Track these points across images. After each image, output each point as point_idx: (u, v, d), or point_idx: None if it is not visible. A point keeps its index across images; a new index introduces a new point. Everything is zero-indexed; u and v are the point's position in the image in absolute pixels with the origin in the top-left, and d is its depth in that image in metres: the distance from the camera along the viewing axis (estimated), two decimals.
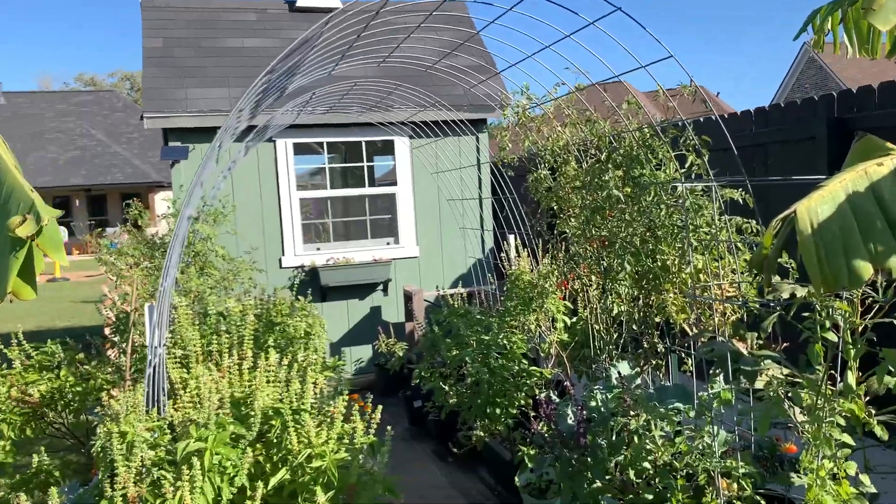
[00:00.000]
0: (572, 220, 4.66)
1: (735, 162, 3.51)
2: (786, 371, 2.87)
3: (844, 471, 2.82)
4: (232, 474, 2.33)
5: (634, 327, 4.59)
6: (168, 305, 3.50)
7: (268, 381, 3.34)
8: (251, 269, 6.10)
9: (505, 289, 5.60)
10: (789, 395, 2.82)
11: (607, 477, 3.29)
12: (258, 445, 2.96)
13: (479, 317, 4.97)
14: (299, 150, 8.32)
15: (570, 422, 3.57)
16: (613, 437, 3.42)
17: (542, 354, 5.90)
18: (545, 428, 3.73)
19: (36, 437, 4.29)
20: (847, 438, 2.79)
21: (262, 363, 3.20)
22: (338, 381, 3.88)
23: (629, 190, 3.91)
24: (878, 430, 2.72)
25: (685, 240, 3.66)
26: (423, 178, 8.47)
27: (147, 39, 8.34)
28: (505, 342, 4.77)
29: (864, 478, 2.87)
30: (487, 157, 8.41)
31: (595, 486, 3.27)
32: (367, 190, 8.70)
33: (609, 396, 3.52)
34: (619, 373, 3.75)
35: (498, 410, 4.71)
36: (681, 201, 3.71)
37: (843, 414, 2.76)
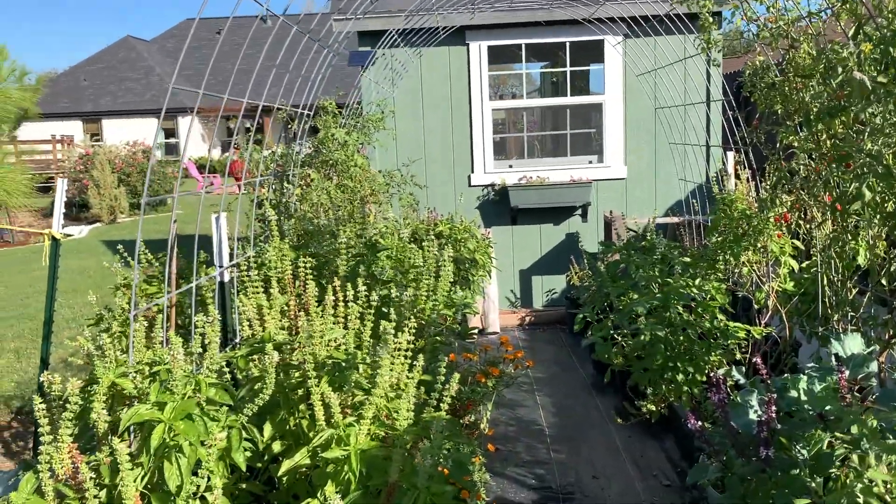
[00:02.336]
0: (802, 128, 3.33)
1: None
2: None
3: None
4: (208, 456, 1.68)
5: (884, 283, 3.25)
6: (243, 219, 2.92)
7: (344, 324, 2.65)
8: (407, 182, 5.39)
9: (709, 220, 4.38)
10: None
11: None
12: (301, 408, 2.29)
13: (661, 254, 3.85)
14: (494, 54, 7.41)
15: (751, 416, 2.47)
16: (821, 449, 2.29)
17: (756, 306, 4.63)
18: (711, 423, 2.66)
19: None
20: None
21: (328, 298, 2.50)
22: (452, 326, 3.09)
23: (884, 80, 2.57)
24: None
25: None
26: (636, 87, 7.18)
27: None
28: (694, 290, 3.63)
29: None
30: (720, 62, 6.90)
31: None
32: (569, 100, 7.59)
33: (819, 388, 2.37)
34: (842, 351, 2.55)
35: (679, 377, 3.65)
36: None
37: None
